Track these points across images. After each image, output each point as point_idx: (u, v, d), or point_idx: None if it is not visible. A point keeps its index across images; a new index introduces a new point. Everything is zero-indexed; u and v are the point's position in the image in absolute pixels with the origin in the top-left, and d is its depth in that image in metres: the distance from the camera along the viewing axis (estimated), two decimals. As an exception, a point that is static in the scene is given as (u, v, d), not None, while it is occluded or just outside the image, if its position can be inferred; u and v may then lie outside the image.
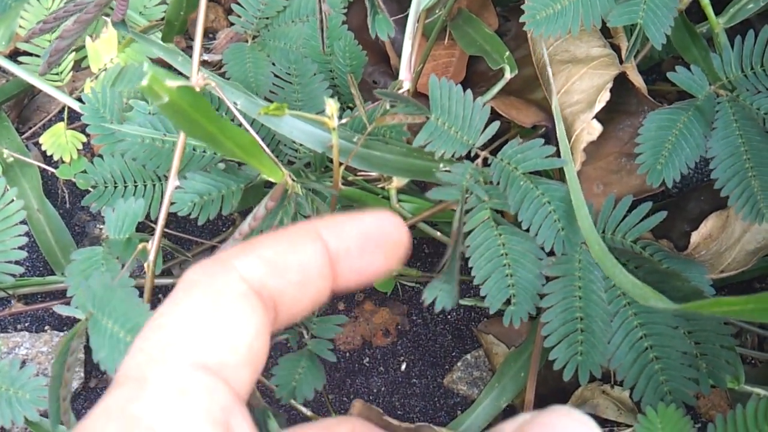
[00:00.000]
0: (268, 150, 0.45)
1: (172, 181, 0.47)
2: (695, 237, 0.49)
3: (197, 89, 0.38)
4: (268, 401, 0.56)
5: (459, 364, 0.58)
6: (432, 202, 0.59)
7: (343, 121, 0.53)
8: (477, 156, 0.51)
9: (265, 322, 0.22)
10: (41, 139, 0.64)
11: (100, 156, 0.59)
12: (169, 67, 0.70)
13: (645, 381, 0.44)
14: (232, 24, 0.68)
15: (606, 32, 0.59)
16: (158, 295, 0.62)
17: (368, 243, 0.24)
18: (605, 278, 0.47)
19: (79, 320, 0.60)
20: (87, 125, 0.58)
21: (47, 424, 0.50)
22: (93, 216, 0.65)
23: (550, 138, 0.54)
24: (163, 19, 0.70)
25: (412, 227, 0.56)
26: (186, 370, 0.20)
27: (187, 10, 0.65)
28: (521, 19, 0.53)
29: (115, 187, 0.59)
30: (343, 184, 0.57)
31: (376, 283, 0.60)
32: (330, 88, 0.59)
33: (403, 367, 0.59)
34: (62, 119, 0.69)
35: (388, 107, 0.52)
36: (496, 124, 0.50)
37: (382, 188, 0.58)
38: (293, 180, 0.48)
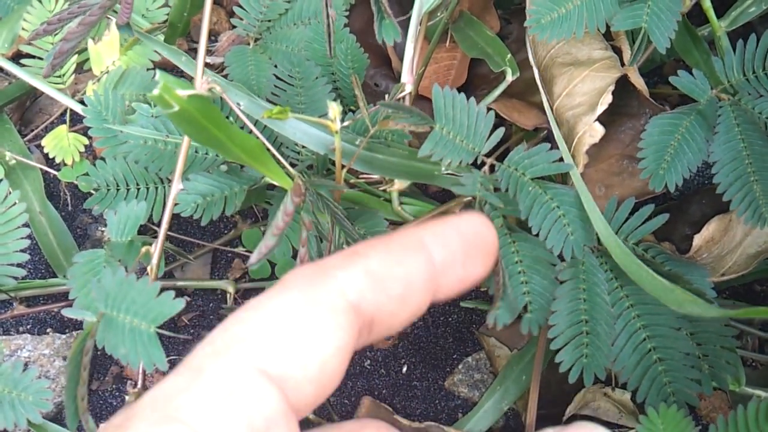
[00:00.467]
0: (277, 155, 0.45)
1: (176, 184, 0.48)
2: (697, 240, 0.49)
3: (204, 94, 0.38)
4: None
5: (460, 366, 0.58)
6: (434, 204, 0.59)
7: (346, 123, 0.53)
8: (483, 163, 0.51)
9: (349, 341, 0.20)
10: (43, 142, 0.64)
11: (102, 159, 0.59)
12: (172, 70, 0.71)
13: (649, 382, 0.44)
14: (234, 26, 0.68)
15: (607, 35, 0.59)
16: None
17: (470, 250, 0.23)
18: (608, 280, 0.47)
19: (81, 323, 0.60)
20: (89, 128, 0.58)
21: (50, 426, 0.50)
22: (95, 218, 0.65)
23: (552, 140, 0.54)
24: (165, 21, 0.70)
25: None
26: (244, 371, 0.19)
27: (190, 12, 0.65)
28: (525, 24, 0.53)
29: (118, 190, 0.59)
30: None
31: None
32: (332, 91, 0.60)
33: (404, 369, 0.59)
34: (64, 122, 0.69)
35: (390, 111, 0.53)
36: (501, 131, 0.50)
37: (384, 191, 0.58)
38: (302, 181, 0.48)
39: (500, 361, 0.56)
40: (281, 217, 0.45)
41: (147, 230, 0.64)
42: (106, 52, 0.65)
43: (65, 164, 0.63)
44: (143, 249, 0.48)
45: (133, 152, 0.54)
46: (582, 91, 0.55)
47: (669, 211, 0.49)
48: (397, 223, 0.55)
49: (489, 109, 0.51)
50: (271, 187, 0.55)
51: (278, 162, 0.48)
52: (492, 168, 0.51)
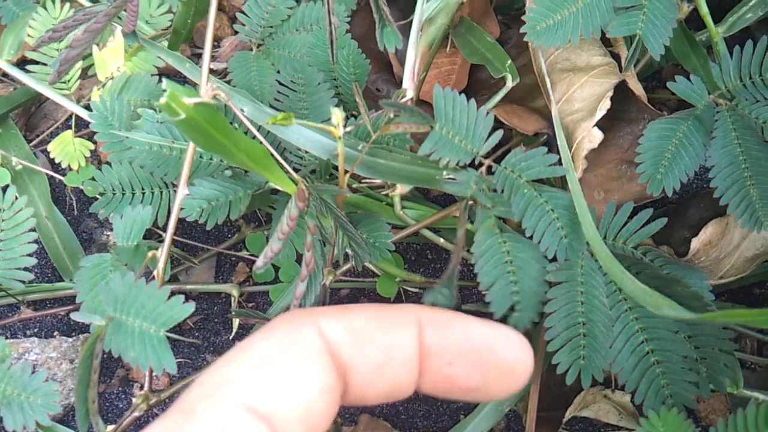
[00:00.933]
0: (282, 161, 0.45)
1: (182, 189, 0.48)
2: (695, 243, 0.50)
3: (210, 102, 0.39)
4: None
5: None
6: (435, 209, 0.60)
7: (348, 129, 0.54)
8: (481, 164, 0.52)
9: (334, 385, 0.21)
10: (49, 147, 0.64)
11: (108, 163, 0.60)
12: (176, 75, 0.71)
13: (646, 385, 0.45)
14: (236, 32, 0.68)
15: (606, 41, 0.60)
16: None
17: (469, 354, 0.22)
18: (607, 284, 0.47)
19: (88, 326, 0.61)
20: (94, 133, 0.59)
21: (58, 428, 0.50)
22: (100, 223, 0.66)
23: (552, 146, 0.55)
24: (168, 28, 0.71)
25: (416, 233, 0.57)
26: (234, 410, 0.19)
27: (194, 19, 0.66)
28: (522, 30, 0.54)
29: (123, 194, 0.60)
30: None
31: (378, 288, 0.60)
32: (334, 96, 0.60)
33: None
34: (69, 127, 0.70)
35: (392, 116, 0.53)
36: (499, 133, 0.51)
37: (386, 195, 0.59)
38: (306, 186, 0.48)
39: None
40: (286, 222, 0.46)
41: (152, 234, 0.64)
42: (111, 58, 0.66)
43: (71, 169, 0.64)
44: (150, 253, 0.49)
45: (138, 157, 0.55)
46: (581, 97, 0.56)
47: (667, 214, 0.50)
48: (399, 227, 0.56)
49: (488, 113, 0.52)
50: (275, 191, 0.56)
51: (282, 167, 0.49)
52: (489, 169, 0.52)
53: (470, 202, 0.53)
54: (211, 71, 0.75)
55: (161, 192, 0.60)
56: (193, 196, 0.52)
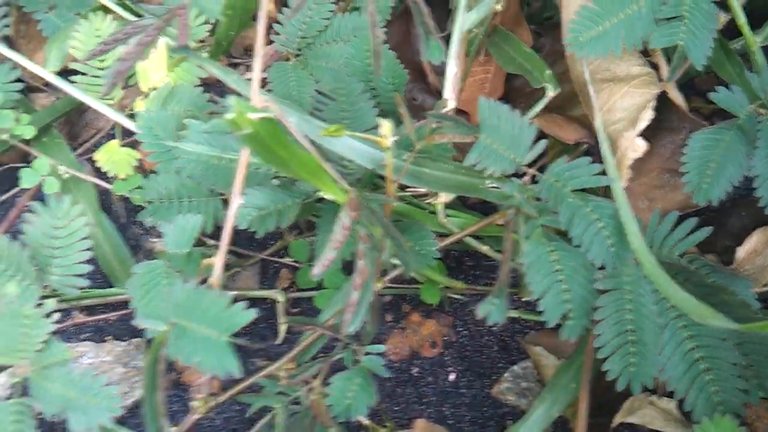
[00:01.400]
0: (333, 171, 0.47)
1: (236, 198, 0.49)
2: (740, 252, 0.51)
3: (273, 117, 0.40)
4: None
5: (506, 374, 0.60)
6: (476, 216, 0.61)
7: (394, 139, 0.55)
8: (524, 174, 0.53)
9: None
10: (96, 156, 0.66)
11: (154, 172, 0.61)
12: (215, 85, 0.73)
13: (696, 392, 0.46)
14: (272, 41, 0.70)
15: (644, 50, 0.60)
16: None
17: None
18: (654, 291, 0.48)
19: (140, 331, 0.62)
20: (138, 142, 0.61)
21: (120, 430, 0.52)
22: (146, 230, 0.67)
23: (593, 155, 0.56)
24: (203, 41, 0.73)
25: (458, 241, 0.58)
26: None
27: (237, 31, 0.68)
28: (564, 41, 0.55)
29: (170, 203, 0.61)
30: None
31: (422, 294, 0.61)
32: (375, 106, 0.61)
33: (452, 377, 0.61)
34: (112, 136, 0.71)
35: (434, 126, 0.54)
36: (543, 143, 0.52)
37: (429, 203, 0.60)
38: (356, 196, 0.49)
39: (547, 369, 0.58)
40: (340, 231, 0.47)
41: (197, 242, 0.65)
42: (153, 69, 0.67)
43: (118, 178, 0.65)
44: (205, 261, 0.50)
45: (186, 167, 0.56)
46: (622, 107, 0.56)
47: (709, 223, 0.50)
48: (441, 235, 0.57)
49: (532, 124, 0.53)
50: (320, 200, 0.57)
51: (332, 178, 0.50)
52: (533, 178, 0.53)
53: (511, 211, 0.55)
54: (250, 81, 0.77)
55: (208, 201, 0.61)
56: (245, 204, 0.53)
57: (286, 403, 0.48)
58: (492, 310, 0.50)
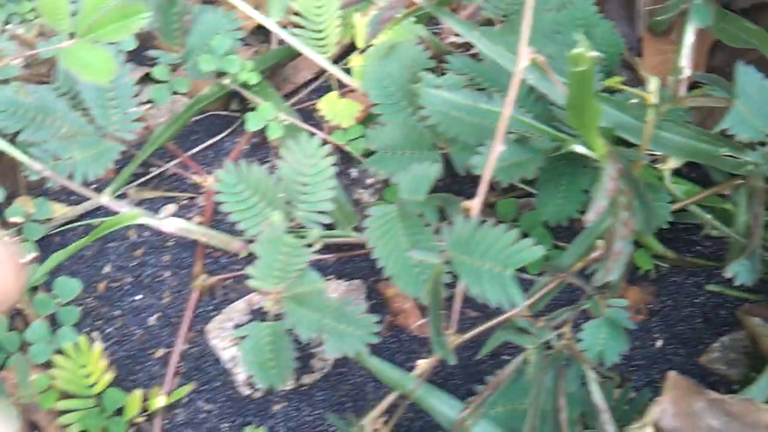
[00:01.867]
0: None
1: (497, 147, 0.51)
2: None
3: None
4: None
5: (716, 345, 0.60)
6: (705, 186, 0.61)
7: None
8: (764, 143, 0.53)
9: None
10: (318, 105, 0.69)
11: (377, 123, 0.64)
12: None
13: None
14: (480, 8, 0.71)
15: None
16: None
17: None
18: None
19: (359, 272, 0.65)
20: (351, 92, 0.63)
21: (372, 359, 0.54)
22: (353, 181, 0.70)
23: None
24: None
25: (682, 210, 0.59)
26: None
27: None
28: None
29: (393, 154, 0.64)
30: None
31: (636, 259, 0.62)
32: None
33: (659, 343, 0.61)
34: (315, 90, 0.74)
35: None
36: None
37: (655, 168, 0.60)
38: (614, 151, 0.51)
39: (764, 339, 0.57)
40: (609, 182, 0.48)
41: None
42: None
43: (339, 127, 0.68)
44: (463, 203, 0.52)
45: (434, 117, 0.58)
46: None
47: None
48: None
49: None
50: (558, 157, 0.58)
51: (599, 132, 0.51)
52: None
53: (739, 182, 0.55)
54: (455, 44, 0.78)
55: (428, 154, 0.64)
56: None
57: (538, 345, 0.50)
58: (741, 270, 0.51)
